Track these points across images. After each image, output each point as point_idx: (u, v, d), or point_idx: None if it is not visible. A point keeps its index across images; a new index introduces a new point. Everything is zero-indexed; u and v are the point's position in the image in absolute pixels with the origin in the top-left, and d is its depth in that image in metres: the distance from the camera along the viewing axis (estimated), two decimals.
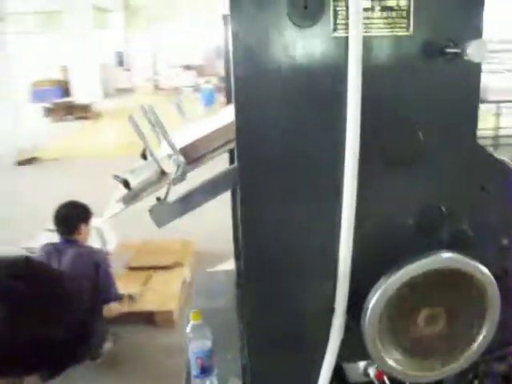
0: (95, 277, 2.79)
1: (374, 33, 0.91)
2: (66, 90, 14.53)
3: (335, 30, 0.89)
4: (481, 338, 1.02)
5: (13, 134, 7.80)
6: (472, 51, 0.86)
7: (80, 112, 12.08)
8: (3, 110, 7.82)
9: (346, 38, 0.88)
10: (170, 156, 1.14)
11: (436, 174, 1.00)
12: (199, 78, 15.07)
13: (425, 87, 0.95)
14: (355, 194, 0.94)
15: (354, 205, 0.94)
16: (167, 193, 1.09)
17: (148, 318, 3.29)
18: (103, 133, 10.75)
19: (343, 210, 0.95)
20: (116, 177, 1.23)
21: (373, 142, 0.95)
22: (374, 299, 0.96)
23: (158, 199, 1.08)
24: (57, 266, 2.71)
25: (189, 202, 1.09)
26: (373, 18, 0.90)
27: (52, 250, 2.87)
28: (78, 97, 12.93)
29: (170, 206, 1.07)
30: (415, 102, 0.96)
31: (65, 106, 12.30)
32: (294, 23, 0.88)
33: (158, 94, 15.39)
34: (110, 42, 16.67)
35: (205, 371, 1.33)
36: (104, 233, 3.86)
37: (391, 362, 0.99)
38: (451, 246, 1.02)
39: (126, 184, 1.21)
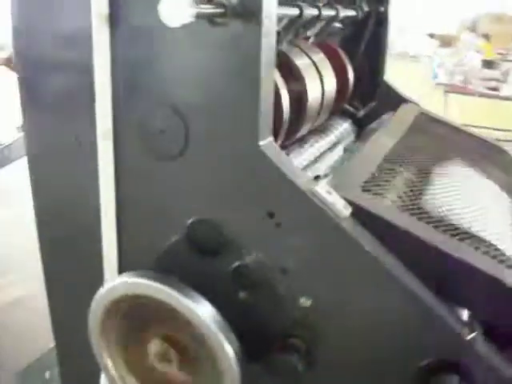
0: None
1: None
2: None
3: None
4: None
5: None
6: (162, 10, 0.61)
7: None
8: None
9: None
10: None
11: (206, 182, 0.80)
12: None
13: (188, 59, 0.74)
14: (112, 188, 0.86)
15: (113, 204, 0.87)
16: None
17: None
18: None
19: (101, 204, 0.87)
20: None
21: (133, 125, 0.81)
22: (90, 312, 0.85)
23: None
24: None
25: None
26: None
27: None
28: None
29: None
30: (173, 75, 0.76)
31: None
32: None
33: None
34: None
35: None
36: None
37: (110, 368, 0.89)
38: (231, 281, 0.82)
39: None
